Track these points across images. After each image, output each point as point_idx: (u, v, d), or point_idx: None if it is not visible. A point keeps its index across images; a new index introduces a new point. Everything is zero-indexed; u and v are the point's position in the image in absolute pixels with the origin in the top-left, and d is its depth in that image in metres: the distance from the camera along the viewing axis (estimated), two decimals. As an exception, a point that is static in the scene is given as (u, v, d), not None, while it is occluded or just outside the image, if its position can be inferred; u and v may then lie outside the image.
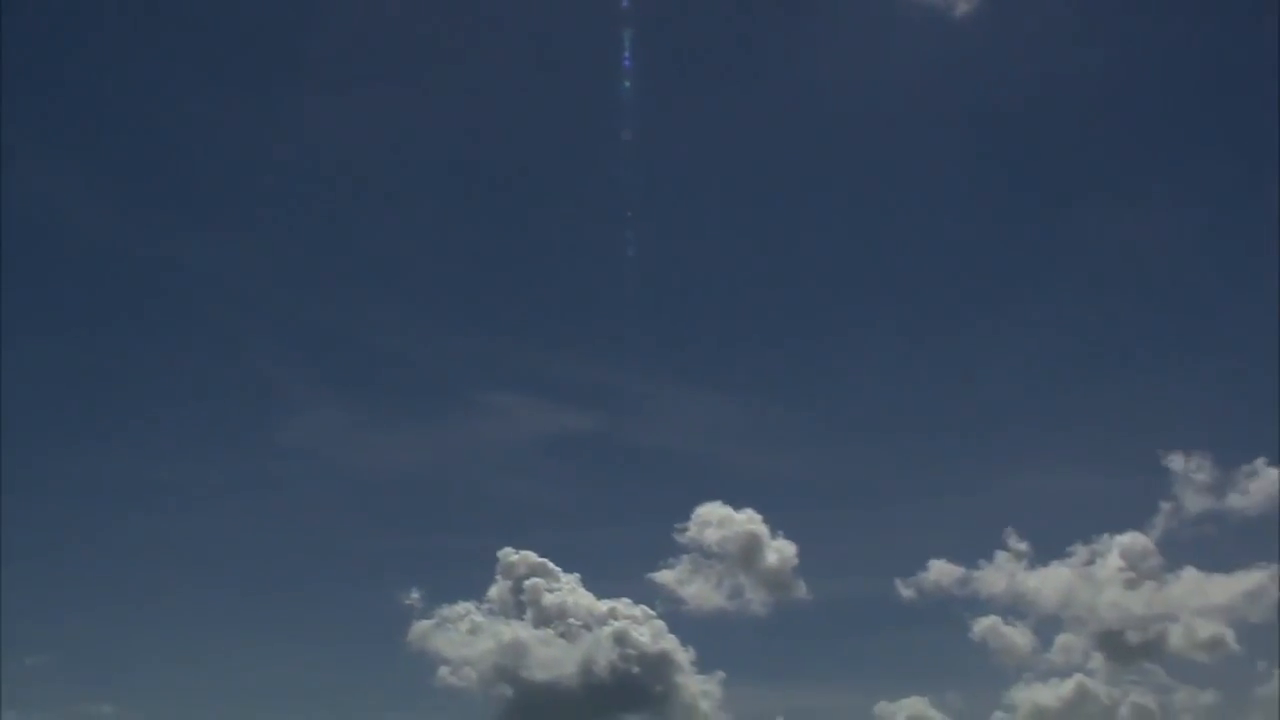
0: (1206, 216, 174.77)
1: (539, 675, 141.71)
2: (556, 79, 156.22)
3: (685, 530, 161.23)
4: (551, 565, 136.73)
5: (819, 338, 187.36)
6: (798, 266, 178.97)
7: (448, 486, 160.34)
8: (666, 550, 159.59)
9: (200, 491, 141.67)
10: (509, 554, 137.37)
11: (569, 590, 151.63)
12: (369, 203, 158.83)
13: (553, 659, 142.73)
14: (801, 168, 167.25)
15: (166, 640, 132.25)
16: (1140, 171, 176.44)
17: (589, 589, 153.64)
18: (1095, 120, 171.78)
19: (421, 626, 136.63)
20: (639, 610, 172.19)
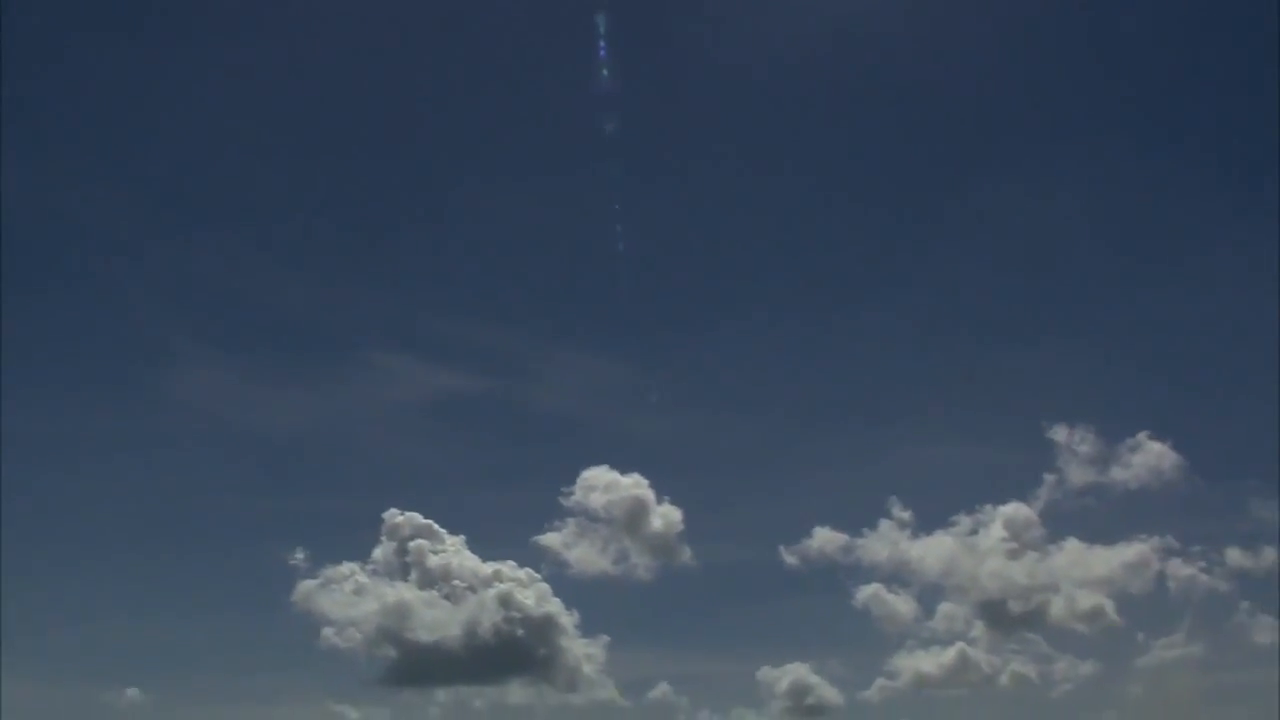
0: (1094, 194, 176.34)
1: (423, 637, 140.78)
2: (452, 35, 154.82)
3: (571, 494, 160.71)
4: (437, 527, 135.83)
5: (709, 305, 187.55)
6: (690, 234, 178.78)
7: (334, 446, 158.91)
8: (552, 513, 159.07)
9: (87, 446, 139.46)
10: (394, 515, 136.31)
11: (454, 552, 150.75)
12: (263, 161, 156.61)
13: (437, 621, 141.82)
14: (693, 139, 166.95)
15: (47, 595, 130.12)
16: (1030, 149, 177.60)
17: (474, 551, 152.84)
18: (985, 99, 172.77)
19: (306, 587, 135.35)
20: (524, 573, 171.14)
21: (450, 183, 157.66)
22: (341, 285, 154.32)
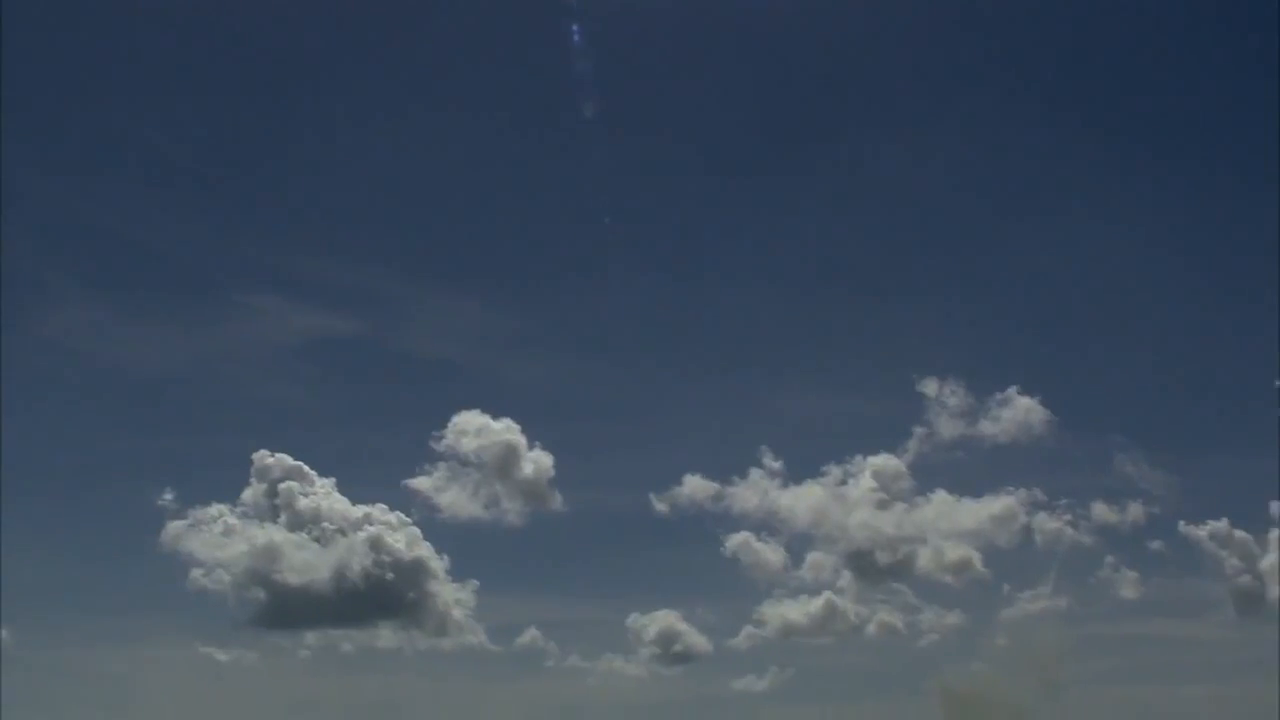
0: (968, 153, 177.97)
1: (292, 579, 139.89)
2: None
3: (442, 438, 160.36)
4: (307, 469, 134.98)
5: (584, 249, 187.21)
6: (569, 183, 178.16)
7: (204, 386, 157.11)
8: (423, 457, 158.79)
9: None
10: (264, 457, 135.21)
11: (324, 495, 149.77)
12: (135, 102, 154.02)
13: (306, 563, 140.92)
14: (572, 89, 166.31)
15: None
16: (905, 108, 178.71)
17: (344, 494, 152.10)
18: (862, 57, 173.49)
19: (174, 528, 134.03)
20: (394, 517, 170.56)
21: (325, 125, 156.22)
22: (214, 226, 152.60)
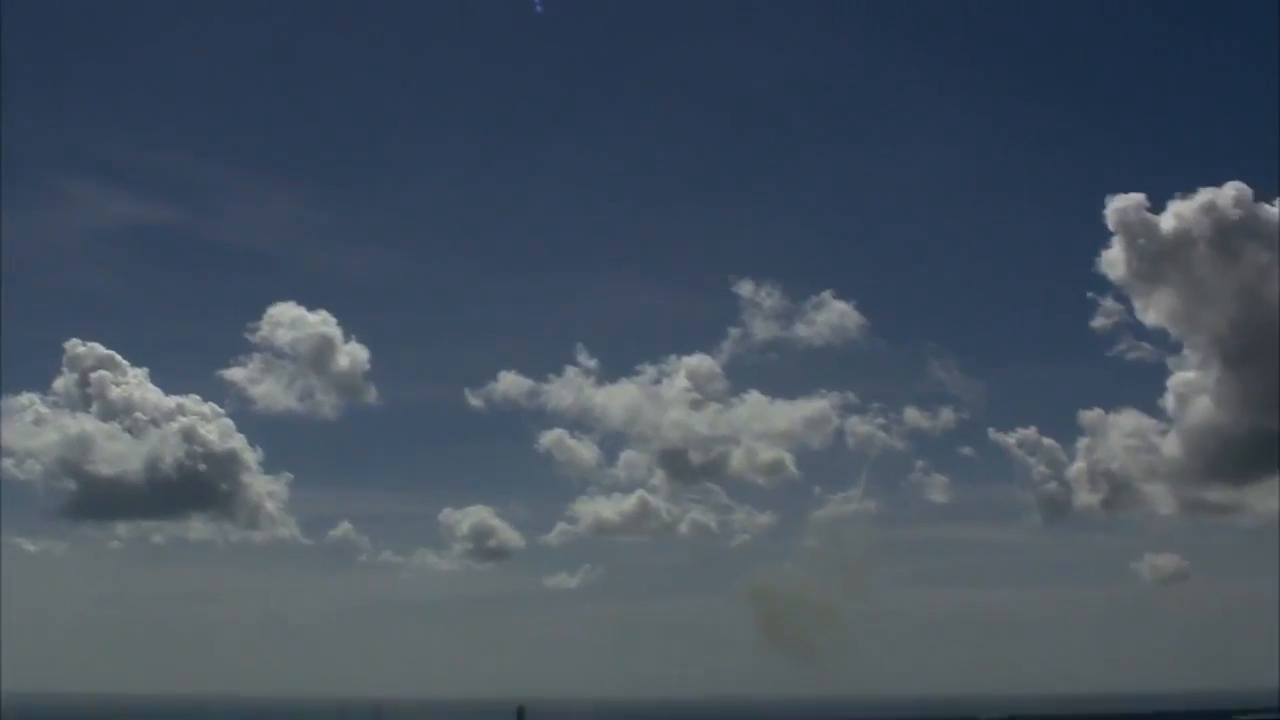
0: (792, 57, 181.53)
1: (104, 470, 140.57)
2: None
3: (257, 329, 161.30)
4: (119, 358, 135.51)
5: (404, 146, 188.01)
6: (390, 75, 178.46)
7: (13, 273, 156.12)
8: (237, 348, 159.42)
9: None
10: (75, 346, 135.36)
11: (137, 385, 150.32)
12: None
13: (118, 454, 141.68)
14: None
15: None
16: (732, 12, 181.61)
17: (157, 384, 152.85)
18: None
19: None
20: (207, 408, 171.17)
21: (143, 12, 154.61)
22: (22, 108, 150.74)
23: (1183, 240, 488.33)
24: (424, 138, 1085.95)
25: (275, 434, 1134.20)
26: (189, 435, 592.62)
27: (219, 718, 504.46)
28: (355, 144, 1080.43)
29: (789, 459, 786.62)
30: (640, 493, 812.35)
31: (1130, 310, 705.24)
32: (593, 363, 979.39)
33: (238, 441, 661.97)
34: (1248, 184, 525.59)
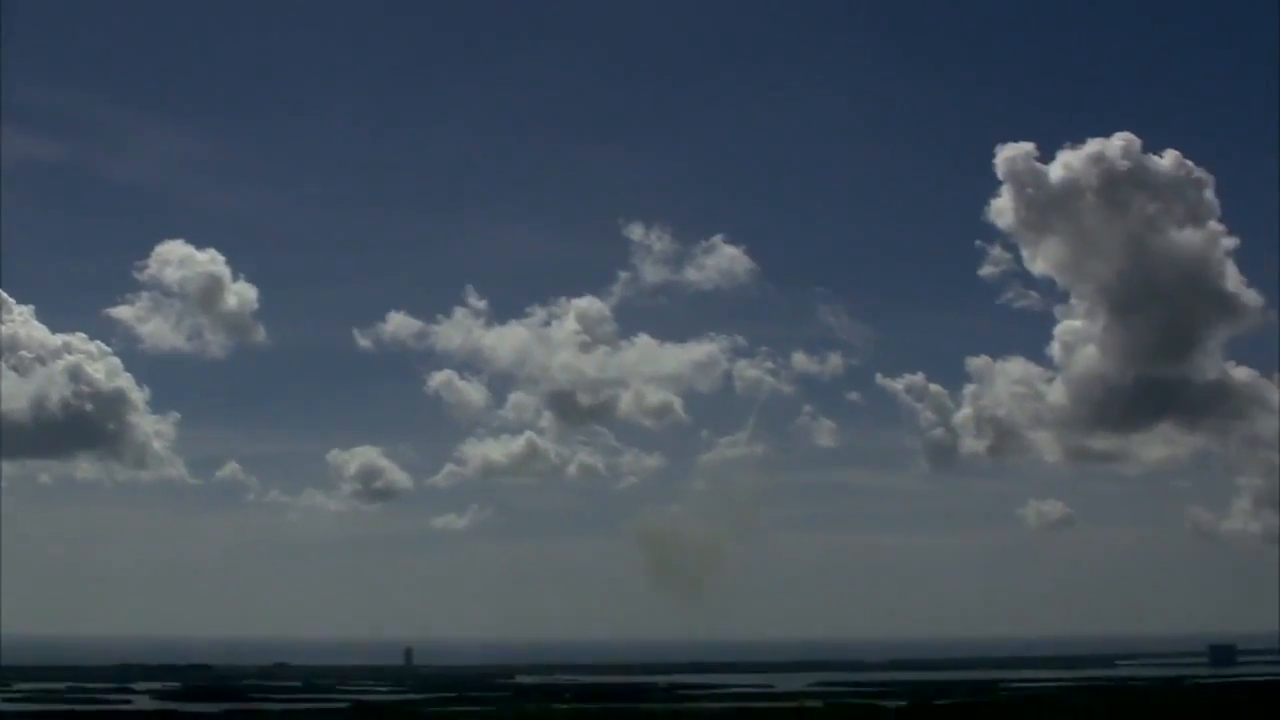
0: (683, 1, 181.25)
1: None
2: None
3: (145, 267, 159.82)
4: (4, 295, 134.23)
5: (293, 79, 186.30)
6: (282, 6, 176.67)
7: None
8: (125, 286, 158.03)
9: None
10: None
11: (22, 322, 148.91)
12: None
13: (3, 392, 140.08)
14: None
15: None
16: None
17: (42, 321, 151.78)
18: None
19: None
20: (94, 346, 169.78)
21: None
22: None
23: (1071, 190, 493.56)
24: (316, 78, 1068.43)
25: (163, 373, 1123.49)
26: (75, 374, 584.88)
27: (110, 657, 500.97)
28: (247, 83, 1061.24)
29: (678, 402, 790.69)
30: (529, 434, 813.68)
31: (1018, 259, 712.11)
32: (482, 304, 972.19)
33: (125, 380, 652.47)
34: (1137, 135, 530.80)
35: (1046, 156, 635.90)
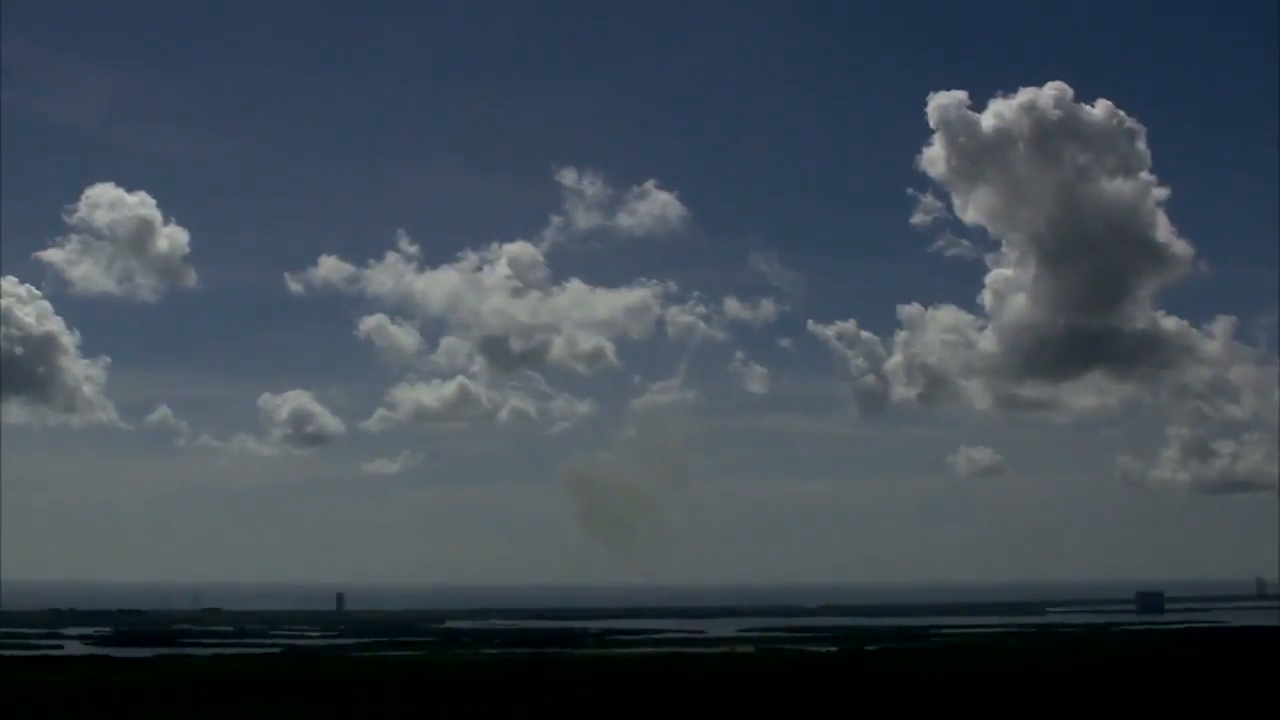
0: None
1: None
2: None
3: (75, 210, 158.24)
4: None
5: (225, 19, 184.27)
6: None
7: None
8: (55, 229, 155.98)
9: None
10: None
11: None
12: None
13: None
14: None
15: None
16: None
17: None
18: None
19: None
20: (24, 290, 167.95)
21: None
22: None
23: (1003, 139, 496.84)
24: (246, 19, 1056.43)
25: (93, 317, 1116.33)
26: (5, 318, 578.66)
27: (41, 602, 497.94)
28: (177, 24, 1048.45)
29: (609, 348, 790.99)
30: (460, 379, 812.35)
31: (950, 207, 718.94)
32: (414, 249, 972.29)
33: (55, 324, 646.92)
34: (1069, 84, 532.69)
35: (978, 105, 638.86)
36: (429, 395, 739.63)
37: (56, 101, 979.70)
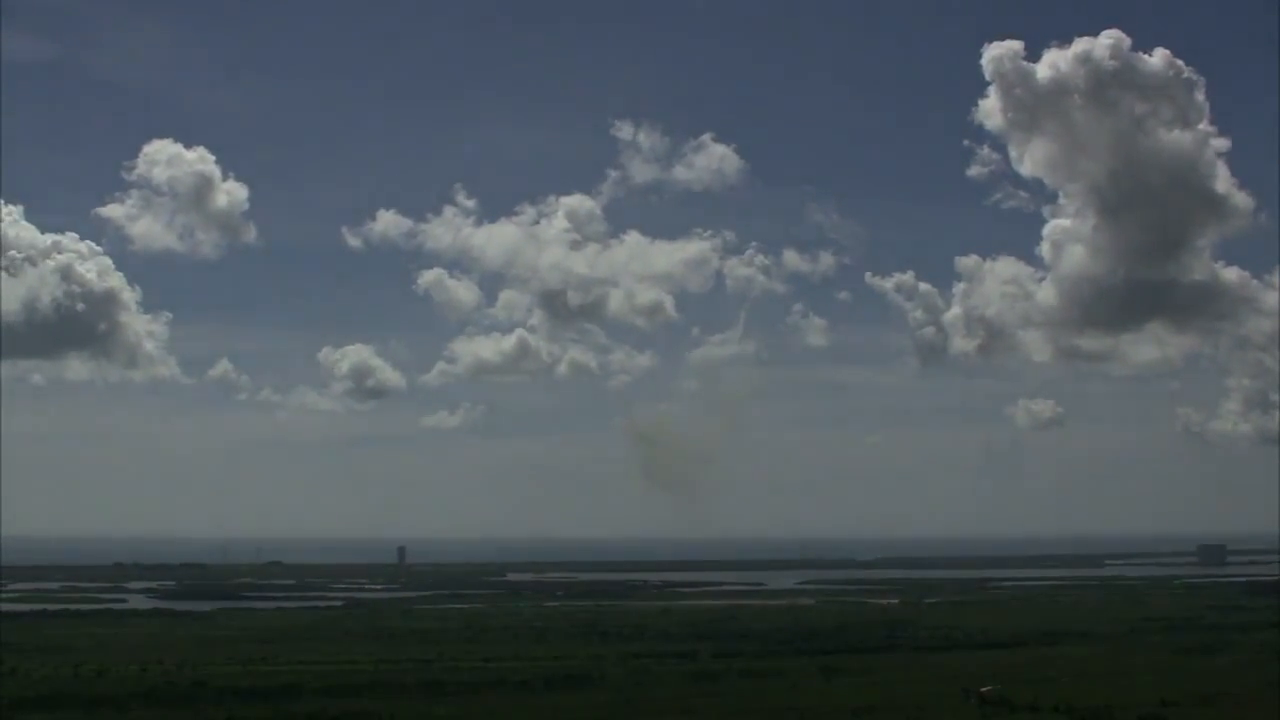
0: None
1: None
2: None
3: (134, 166, 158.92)
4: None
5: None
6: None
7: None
8: (115, 185, 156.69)
9: None
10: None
11: (11, 222, 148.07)
12: None
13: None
14: None
15: None
16: None
17: (32, 221, 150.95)
18: None
19: None
20: (84, 246, 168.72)
21: None
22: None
23: (1059, 89, 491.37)
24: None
25: (154, 272, 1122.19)
26: (66, 274, 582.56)
27: (104, 557, 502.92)
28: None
29: (668, 300, 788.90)
30: (520, 332, 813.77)
31: (1006, 159, 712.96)
32: (471, 203, 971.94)
33: (116, 280, 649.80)
34: (1125, 33, 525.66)
35: (1033, 55, 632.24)
36: (488, 348, 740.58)
37: (115, 58, 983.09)
